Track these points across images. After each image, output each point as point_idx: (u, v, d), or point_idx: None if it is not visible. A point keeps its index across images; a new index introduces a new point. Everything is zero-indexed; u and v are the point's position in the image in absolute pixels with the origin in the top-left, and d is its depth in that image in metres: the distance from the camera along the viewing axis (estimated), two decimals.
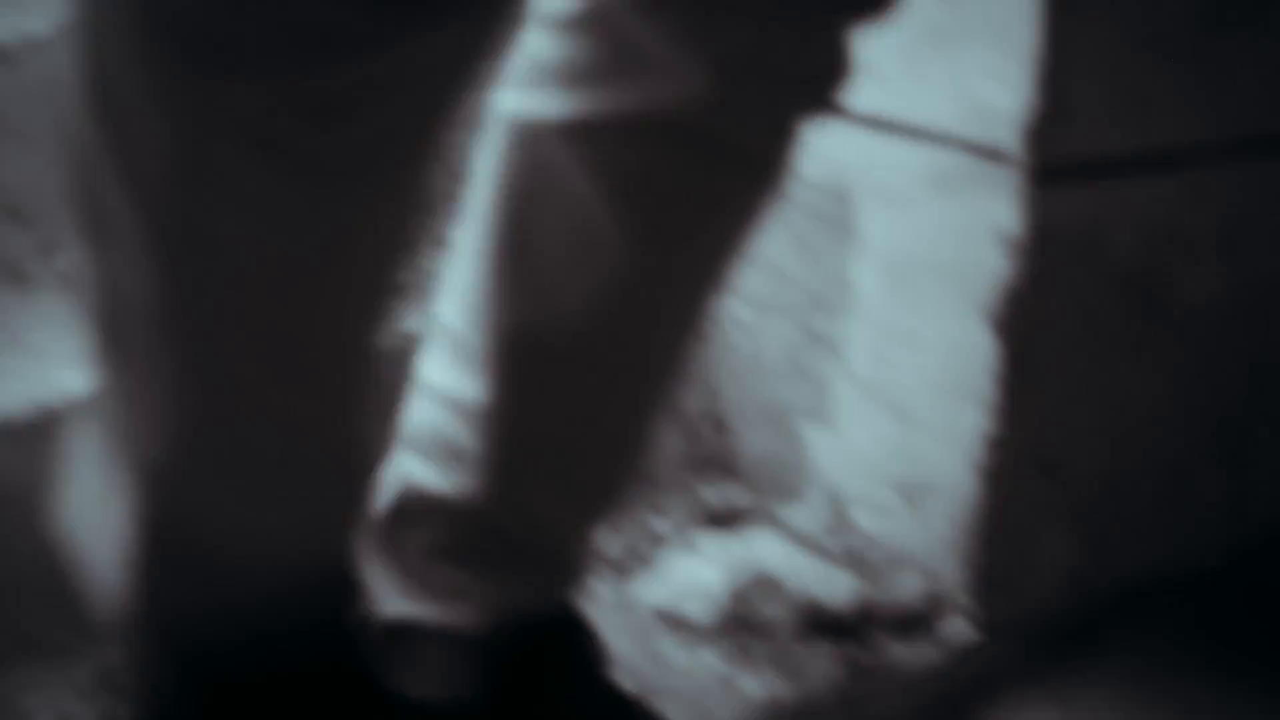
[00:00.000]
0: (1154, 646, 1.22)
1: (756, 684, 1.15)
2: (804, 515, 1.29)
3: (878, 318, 1.24)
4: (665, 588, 1.23)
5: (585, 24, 0.91)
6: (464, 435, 0.96)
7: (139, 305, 0.77)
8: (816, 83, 0.93)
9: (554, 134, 0.92)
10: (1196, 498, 1.35)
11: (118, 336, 0.80)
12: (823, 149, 1.15)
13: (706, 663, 1.17)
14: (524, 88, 0.93)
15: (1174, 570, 1.32)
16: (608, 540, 1.24)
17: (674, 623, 1.20)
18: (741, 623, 1.20)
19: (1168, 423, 1.31)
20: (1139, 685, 1.18)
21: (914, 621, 1.20)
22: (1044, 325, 1.19)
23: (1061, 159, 1.17)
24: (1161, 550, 1.33)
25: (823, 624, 1.20)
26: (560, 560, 1.00)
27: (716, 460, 1.36)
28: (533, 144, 0.93)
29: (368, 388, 0.83)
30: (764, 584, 1.22)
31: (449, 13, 0.72)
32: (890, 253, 1.22)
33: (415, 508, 0.97)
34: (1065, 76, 1.15)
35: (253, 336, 0.78)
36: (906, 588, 1.22)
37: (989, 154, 1.16)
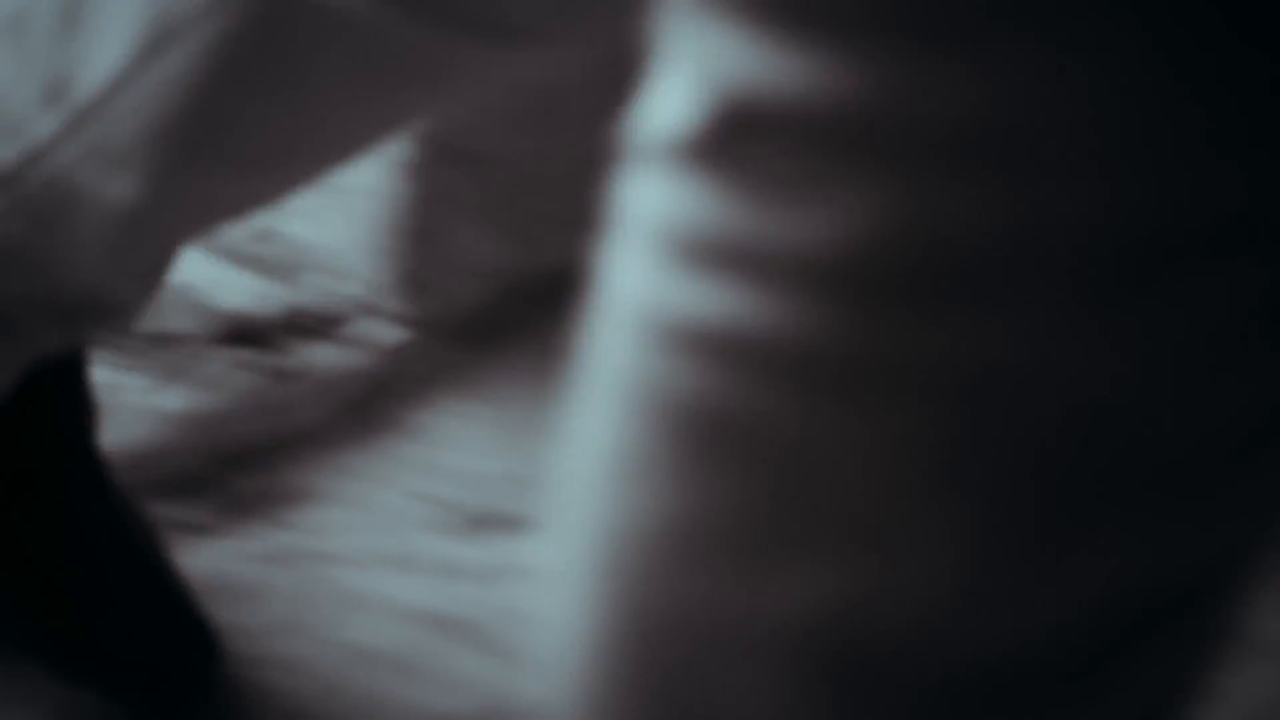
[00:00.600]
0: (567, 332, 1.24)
1: (174, 397, 1.12)
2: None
3: None
4: None
5: None
6: None
7: None
8: None
9: None
10: None
11: None
12: None
13: (123, 380, 1.13)
14: None
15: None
16: None
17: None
18: (157, 339, 1.16)
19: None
20: (549, 370, 1.20)
21: (336, 324, 1.18)
22: None
23: None
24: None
25: (243, 333, 1.17)
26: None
27: None
28: None
29: None
30: (181, 296, 1.17)
31: None
32: None
33: None
34: None
35: None
36: (329, 291, 1.20)
37: None
